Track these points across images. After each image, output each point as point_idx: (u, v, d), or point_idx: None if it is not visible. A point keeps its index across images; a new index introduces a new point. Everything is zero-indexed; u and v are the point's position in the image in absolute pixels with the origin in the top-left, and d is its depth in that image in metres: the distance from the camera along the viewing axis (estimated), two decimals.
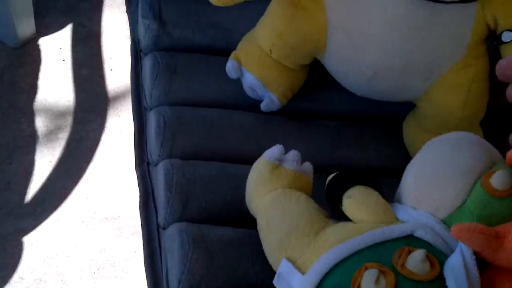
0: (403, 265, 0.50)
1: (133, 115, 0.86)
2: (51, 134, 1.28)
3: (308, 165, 0.70)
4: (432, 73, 0.77)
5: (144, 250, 0.73)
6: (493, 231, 0.51)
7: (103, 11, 1.49)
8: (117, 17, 1.46)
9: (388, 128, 0.86)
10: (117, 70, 1.39)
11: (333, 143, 0.83)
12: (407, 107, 0.84)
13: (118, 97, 1.37)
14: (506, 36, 0.74)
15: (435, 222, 0.55)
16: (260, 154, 0.70)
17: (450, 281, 0.49)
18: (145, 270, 0.72)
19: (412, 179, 0.59)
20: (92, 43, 1.45)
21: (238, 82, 0.84)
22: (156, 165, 0.78)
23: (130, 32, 0.94)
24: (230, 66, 0.83)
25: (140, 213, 0.75)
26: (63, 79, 1.37)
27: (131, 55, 0.91)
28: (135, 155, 0.82)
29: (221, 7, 0.89)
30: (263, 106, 0.83)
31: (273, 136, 0.77)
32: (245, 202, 0.69)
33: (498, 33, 0.75)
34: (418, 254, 0.50)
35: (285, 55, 0.81)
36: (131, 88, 0.89)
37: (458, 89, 0.77)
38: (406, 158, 0.79)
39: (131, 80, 0.89)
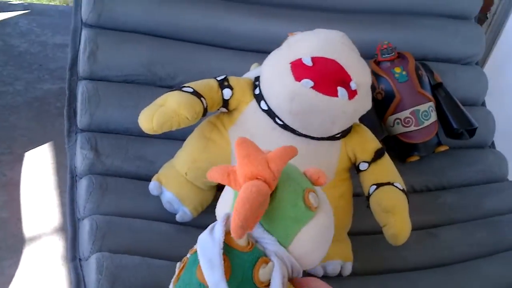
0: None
1: (68, 224, 1.02)
2: None
3: None
4: None
5: None
6: (228, 169, 0.73)
7: (22, 162, 1.66)
8: (35, 168, 1.63)
9: None
10: (34, 213, 1.53)
11: None
12: None
13: (34, 236, 1.49)
14: (362, 166, 1.00)
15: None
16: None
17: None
18: None
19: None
20: (11, 190, 1.59)
21: (157, 199, 1.03)
22: (87, 260, 0.93)
23: (68, 161, 1.12)
24: (153, 186, 1.02)
25: None
26: None
27: (68, 177, 1.09)
28: (68, 253, 0.96)
29: (146, 141, 1.12)
30: (178, 217, 1.02)
31: (184, 242, 0.90)
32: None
33: (357, 164, 1.01)
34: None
35: (198, 177, 1.01)
36: (67, 205, 1.05)
37: (330, 203, 1.00)
38: None
39: (67, 198, 1.06)
